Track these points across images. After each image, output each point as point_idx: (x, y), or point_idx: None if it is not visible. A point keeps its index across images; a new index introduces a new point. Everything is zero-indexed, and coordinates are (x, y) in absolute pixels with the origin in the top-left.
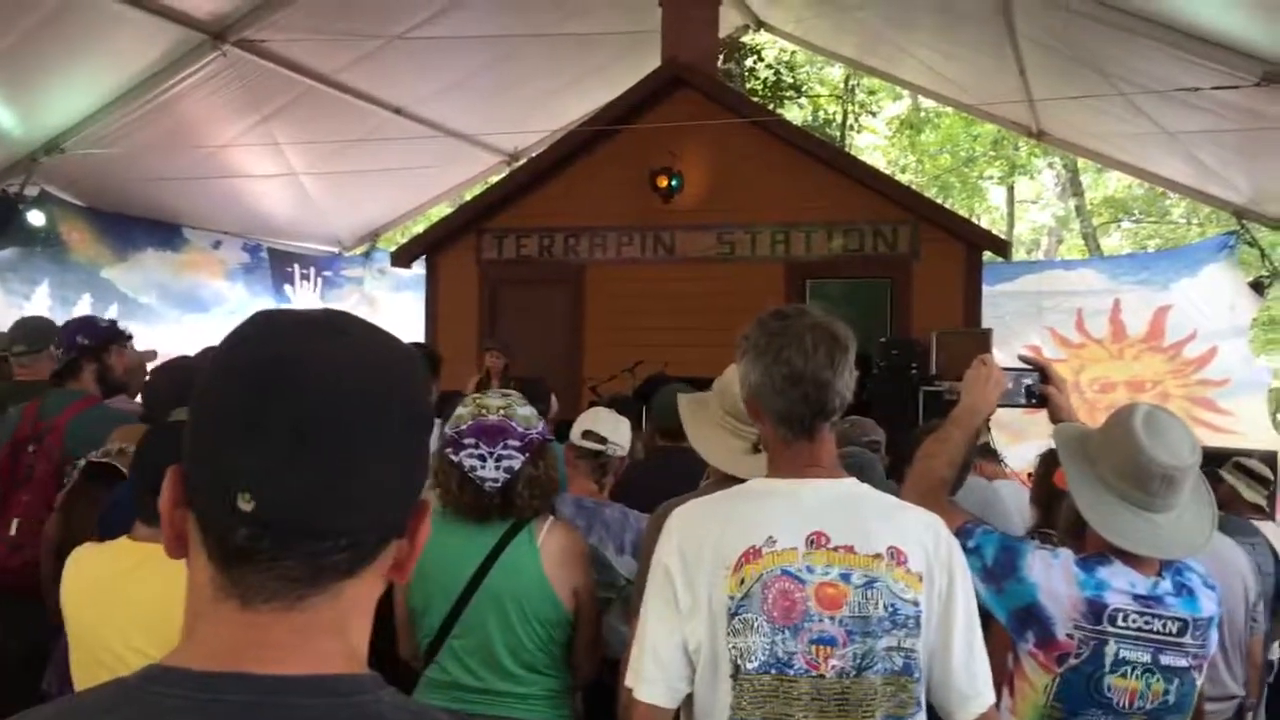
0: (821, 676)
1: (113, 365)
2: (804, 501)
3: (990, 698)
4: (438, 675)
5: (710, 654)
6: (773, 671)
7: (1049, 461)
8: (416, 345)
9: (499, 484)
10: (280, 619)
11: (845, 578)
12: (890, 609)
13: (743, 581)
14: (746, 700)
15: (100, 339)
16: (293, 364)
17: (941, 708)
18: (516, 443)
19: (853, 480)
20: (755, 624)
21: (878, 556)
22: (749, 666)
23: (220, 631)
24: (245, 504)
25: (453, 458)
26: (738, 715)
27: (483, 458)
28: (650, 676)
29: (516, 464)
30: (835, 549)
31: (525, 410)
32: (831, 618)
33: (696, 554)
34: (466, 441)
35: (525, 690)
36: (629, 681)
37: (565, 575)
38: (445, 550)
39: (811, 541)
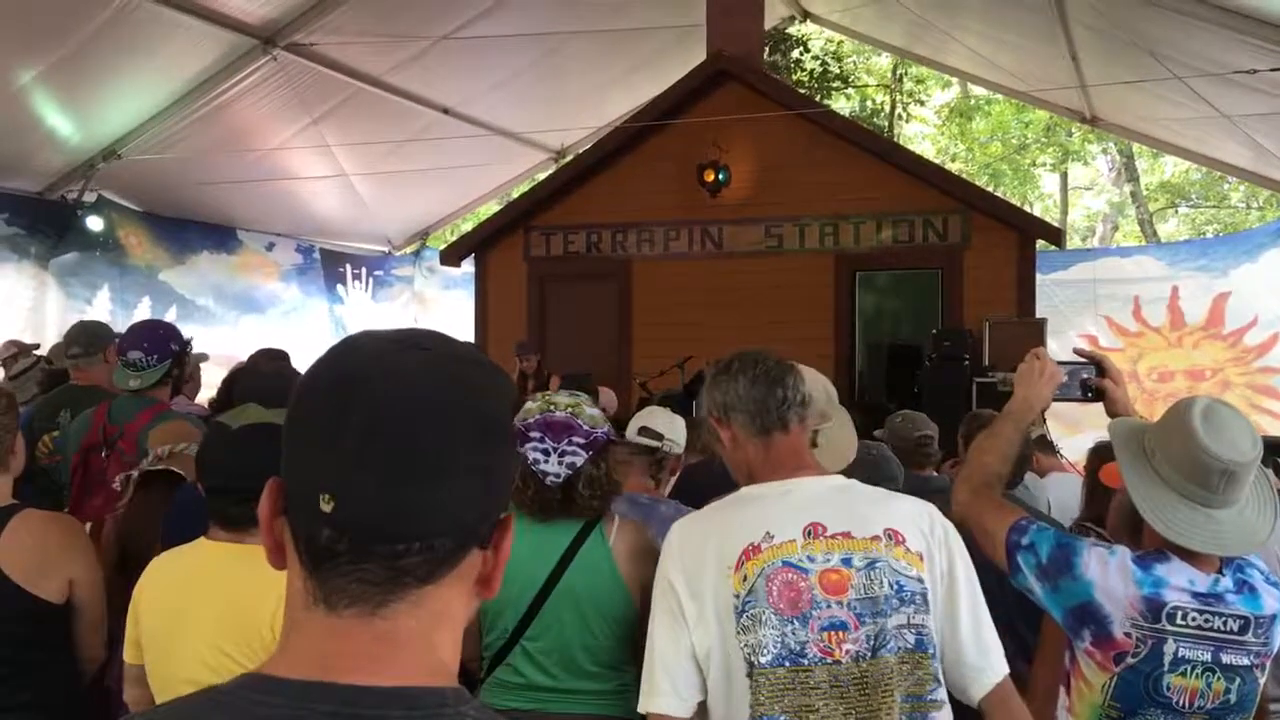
0: (838, 662)
1: (182, 372)
2: (797, 497)
3: (1003, 669)
4: (509, 677)
5: (722, 656)
6: (787, 664)
7: (1097, 456)
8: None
9: (560, 479)
10: (363, 626)
11: (847, 562)
12: (896, 586)
13: (745, 578)
14: (764, 695)
15: (183, 345)
16: (369, 376)
17: (956, 686)
18: (581, 440)
19: (842, 477)
20: (763, 617)
21: (876, 539)
22: (762, 661)
23: (309, 639)
24: (326, 505)
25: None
26: (758, 713)
27: (546, 452)
28: (661, 688)
29: (579, 461)
30: (833, 536)
31: (593, 411)
32: (839, 602)
33: (698, 561)
34: (532, 435)
35: (602, 686)
36: (641, 699)
37: (636, 571)
38: (517, 551)
39: (809, 532)
